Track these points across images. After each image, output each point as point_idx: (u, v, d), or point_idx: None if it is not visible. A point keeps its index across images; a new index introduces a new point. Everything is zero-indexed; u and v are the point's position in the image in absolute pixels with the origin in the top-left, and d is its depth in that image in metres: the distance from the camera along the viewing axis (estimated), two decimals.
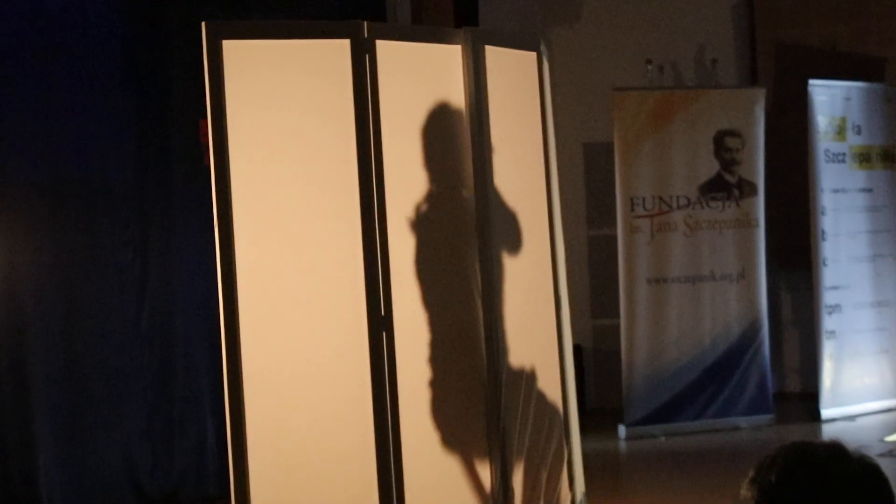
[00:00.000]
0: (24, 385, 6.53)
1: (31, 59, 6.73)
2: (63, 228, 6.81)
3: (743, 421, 8.98)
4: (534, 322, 5.46)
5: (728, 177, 9.04)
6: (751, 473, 2.04)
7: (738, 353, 9.02)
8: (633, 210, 8.87)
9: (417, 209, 5.07)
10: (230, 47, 4.73)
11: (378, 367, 4.83)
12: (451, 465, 5.09)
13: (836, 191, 9.14)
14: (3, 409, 6.44)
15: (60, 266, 6.77)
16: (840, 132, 9.17)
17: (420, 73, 5.16)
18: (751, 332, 9.05)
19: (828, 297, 9.07)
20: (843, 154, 9.21)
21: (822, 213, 9.05)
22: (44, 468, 6.54)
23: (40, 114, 6.73)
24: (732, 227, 9.04)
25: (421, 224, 5.07)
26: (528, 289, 5.44)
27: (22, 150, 6.66)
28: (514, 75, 5.52)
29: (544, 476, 5.35)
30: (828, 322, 9.05)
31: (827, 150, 9.11)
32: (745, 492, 2.02)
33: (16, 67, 6.65)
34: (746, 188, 9.05)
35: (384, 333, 4.86)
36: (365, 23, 4.94)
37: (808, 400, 9.37)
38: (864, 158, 9.33)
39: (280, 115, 4.84)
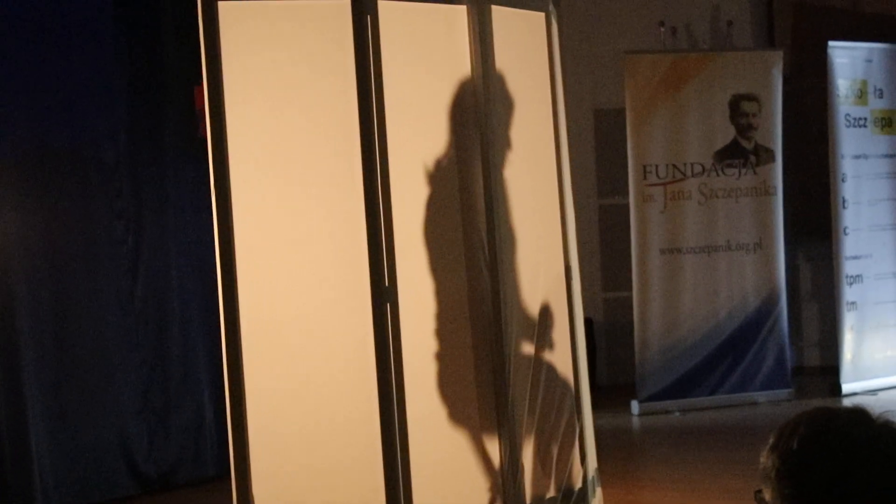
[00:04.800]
0: (15, 363, 6.37)
1: (17, 24, 6.54)
2: (52, 200, 6.65)
3: (760, 396, 8.85)
4: (543, 294, 5.33)
5: (744, 143, 8.87)
6: (771, 440, 1.97)
7: (755, 325, 8.87)
8: (645, 178, 8.69)
9: (425, 174, 4.93)
10: (226, 9, 4.60)
11: (381, 339, 4.70)
12: (458, 441, 5.00)
13: (857, 157, 8.99)
14: None
15: (50, 239, 6.61)
16: (861, 96, 9.01)
17: (424, 36, 5.05)
18: (768, 304, 8.90)
19: (849, 267, 8.92)
20: (865, 118, 9.04)
21: (843, 180, 8.90)
22: (36, 448, 6.40)
23: (29, 82, 6.56)
24: (749, 195, 8.86)
25: (428, 190, 4.94)
26: (537, 259, 5.33)
27: (8, 119, 6.49)
28: (522, 37, 5.42)
29: (555, 452, 5.28)
30: (849, 293, 8.92)
31: (847, 115, 8.95)
32: (766, 459, 1.95)
33: (4, 35, 6.48)
34: (763, 154, 8.88)
35: (388, 305, 4.71)
36: None
37: (828, 374, 9.26)
38: (886, 123, 9.15)
39: (279, 81, 4.71)
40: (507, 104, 5.18)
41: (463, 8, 5.05)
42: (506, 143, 5.16)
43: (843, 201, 8.87)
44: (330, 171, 4.74)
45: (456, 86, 5.03)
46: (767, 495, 1.94)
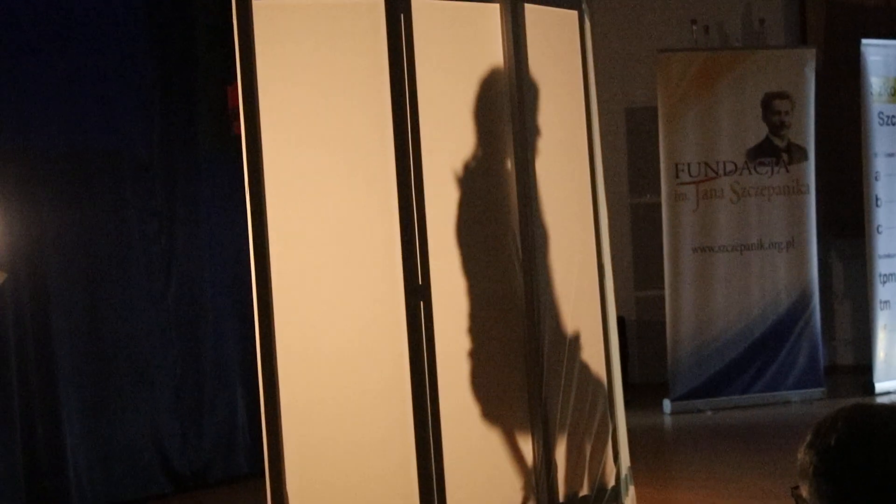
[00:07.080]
0: (50, 360, 6.40)
1: (53, 26, 6.57)
2: (87, 199, 6.66)
3: (793, 395, 8.81)
4: (576, 292, 5.32)
5: (777, 141, 8.81)
6: (808, 437, 1.95)
7: (787, 324, 8.82)
8: (677, 177, 8.65)
9: (459, 173, 4.92)
10: (260, 7, 4.59)
11: (415, 338, 4.72)
12: (491, 439, 5.00)
13: (890, 155, 8.94)
14: (28, 386, 6.31)
15: (85, 238, 6.63)
16: (894, 93, 8.96)
17: (457, 33, 5.05)
18: (801, 303, 8.85)
19: (882, 266, 8.87)
20: None
21: (876, 179, 8.86)
22: (71, 446, 6.43)
23: (63, 82, 6.58)
24: (781, 194, 8.81)
25: (462, 189, 4.93)
26: (570, 257, 5.32)
27: (43, 119, 6.51)
28: (555, 35, 5.42)
29: (588, 450, 5.27)
30: (882, 292, 8.87)
31: (881, 113, 8.90)
32: (803, 456, 1.93)
33: (38, 36, 6.50)
34: (796, 153, 8.82)
35: (421, 303, 4.72)
36: None
37: (860, 373, 9.20)
38: None
39: (312, 80, 4.72)
40: (539, 102, 5.17)
41: (496, 6, 5.04)
42: (539, 141, 5.15)
43: (877, 199, 8.82)
44: (363, 170, 4.74)
45: (489, 84, 5.03)
46: (804, 492, 1.94)
